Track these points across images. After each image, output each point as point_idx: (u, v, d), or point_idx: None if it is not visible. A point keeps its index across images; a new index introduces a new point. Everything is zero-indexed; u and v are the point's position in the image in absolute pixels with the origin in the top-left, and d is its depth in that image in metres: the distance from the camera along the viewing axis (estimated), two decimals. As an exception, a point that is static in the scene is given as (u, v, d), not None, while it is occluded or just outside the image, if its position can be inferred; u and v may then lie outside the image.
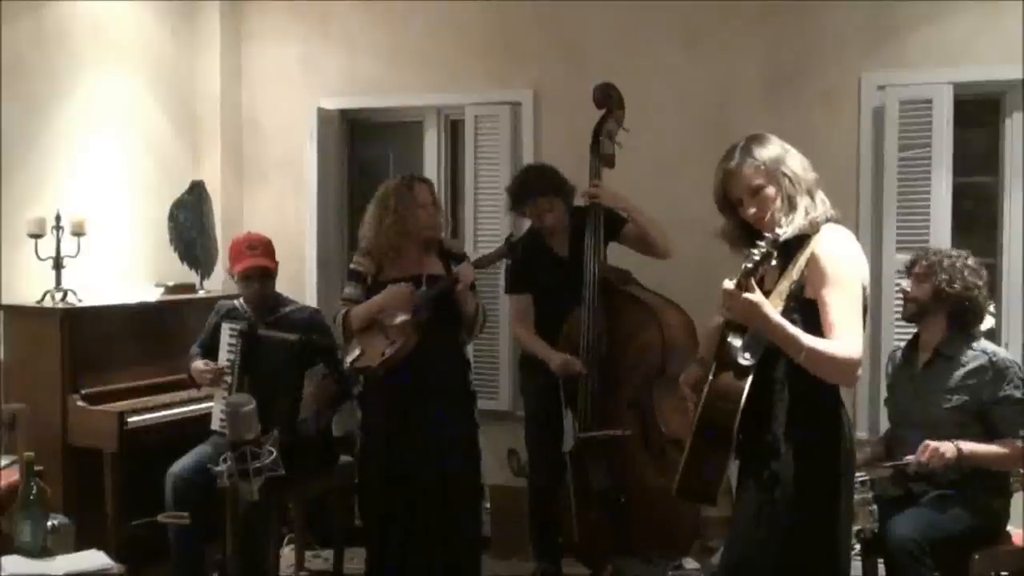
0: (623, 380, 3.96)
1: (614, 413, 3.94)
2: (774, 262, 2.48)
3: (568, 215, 4.19)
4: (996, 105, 4.59)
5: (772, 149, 2.60)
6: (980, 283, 3.50)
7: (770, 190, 2.56)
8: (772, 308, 2.42)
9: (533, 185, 4.17)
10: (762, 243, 2.41)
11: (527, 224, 4.39)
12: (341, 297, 4.05)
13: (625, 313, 3.98)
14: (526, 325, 4.24)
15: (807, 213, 2.52)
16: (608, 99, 4.08)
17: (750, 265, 2.39)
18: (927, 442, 3.31)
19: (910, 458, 3.35)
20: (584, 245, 4.00)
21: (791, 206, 2.54)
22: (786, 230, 2.47)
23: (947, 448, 3.28)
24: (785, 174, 2.55)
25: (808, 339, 2.42)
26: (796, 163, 2.59)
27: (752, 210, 2.59)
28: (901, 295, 3.65)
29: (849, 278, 2.48)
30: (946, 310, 3.50)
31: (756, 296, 2.40)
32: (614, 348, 3.96)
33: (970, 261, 3.53)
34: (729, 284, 2.41)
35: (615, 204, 4.06)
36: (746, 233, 2.64)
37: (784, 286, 2.48)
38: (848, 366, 2.43)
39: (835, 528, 2.59)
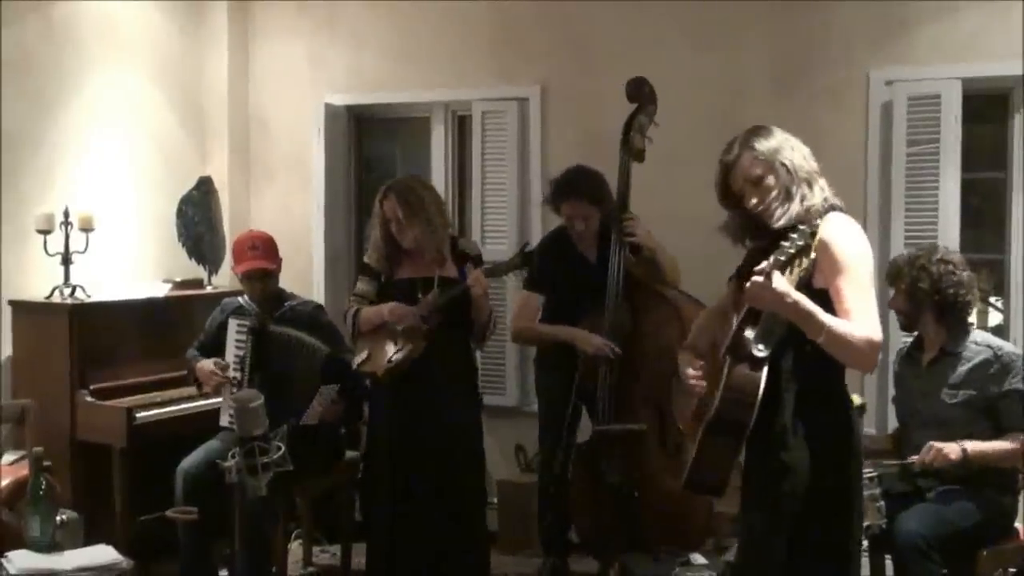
0: (642, 375, 3.93)
1: (631, 408, 3.93)
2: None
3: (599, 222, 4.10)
4: (1005, 101, 4.56)
5: (771, 140, 2.61)
6: (951, 267, 3.45)
7: (770, 180, 2.57)
8: (800, 295, 2.41)
9: (579, 187, 4.04)
10: (796, 235, 2.40)
11: (537, 221, 4.36)
12: (353, 292, 4.03)
13: (648, 309, 3.96)
14: (532, 321, 4.21)
15: (803, 201, 2.53)
16: (640, 93, 4.01)
17: (783, 258, 2.39)
18: (931, 443, 3.31)
19: (915, 458, 3.35)
20: (610, 250, 3.94)
21: (787, 196, 2.55)
22: (787, 216, 2.48)
23: (951, 449, 3.28)
24: (784, 164, 2.56)
25: (831, 321, 2.42)
26: (796, 153, 2.60)
27: (753, 200, 2.59)
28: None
29: (859, 262, 2.50)
30: (931, 307, 3.48)
31: (784, 285, 2.40)
32: (635, 343, 3.93)
33: (938, 255, 3.49)
34: (758, 277, 2.40)
35: (646, 244, 3.97)
36: (751, 226, 2.64)
37: (793, 274, 2.46)
38: (869, 347, 2.43)
39: (848, 517, 2.58)
